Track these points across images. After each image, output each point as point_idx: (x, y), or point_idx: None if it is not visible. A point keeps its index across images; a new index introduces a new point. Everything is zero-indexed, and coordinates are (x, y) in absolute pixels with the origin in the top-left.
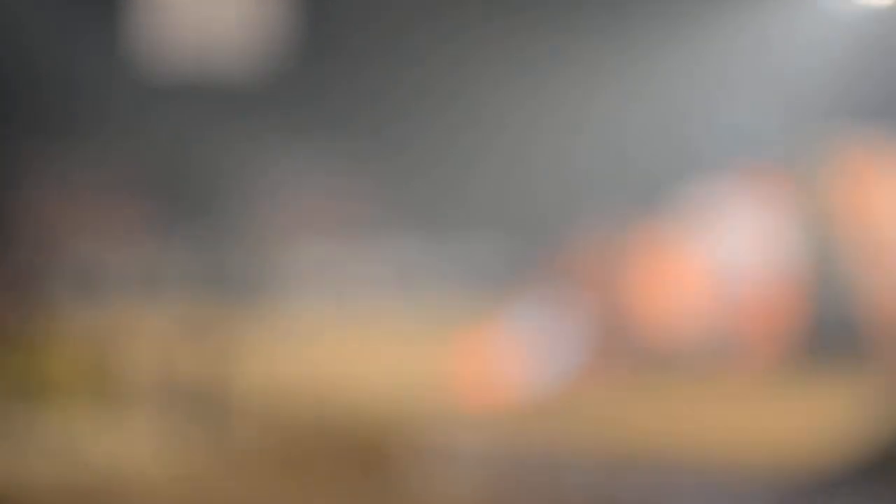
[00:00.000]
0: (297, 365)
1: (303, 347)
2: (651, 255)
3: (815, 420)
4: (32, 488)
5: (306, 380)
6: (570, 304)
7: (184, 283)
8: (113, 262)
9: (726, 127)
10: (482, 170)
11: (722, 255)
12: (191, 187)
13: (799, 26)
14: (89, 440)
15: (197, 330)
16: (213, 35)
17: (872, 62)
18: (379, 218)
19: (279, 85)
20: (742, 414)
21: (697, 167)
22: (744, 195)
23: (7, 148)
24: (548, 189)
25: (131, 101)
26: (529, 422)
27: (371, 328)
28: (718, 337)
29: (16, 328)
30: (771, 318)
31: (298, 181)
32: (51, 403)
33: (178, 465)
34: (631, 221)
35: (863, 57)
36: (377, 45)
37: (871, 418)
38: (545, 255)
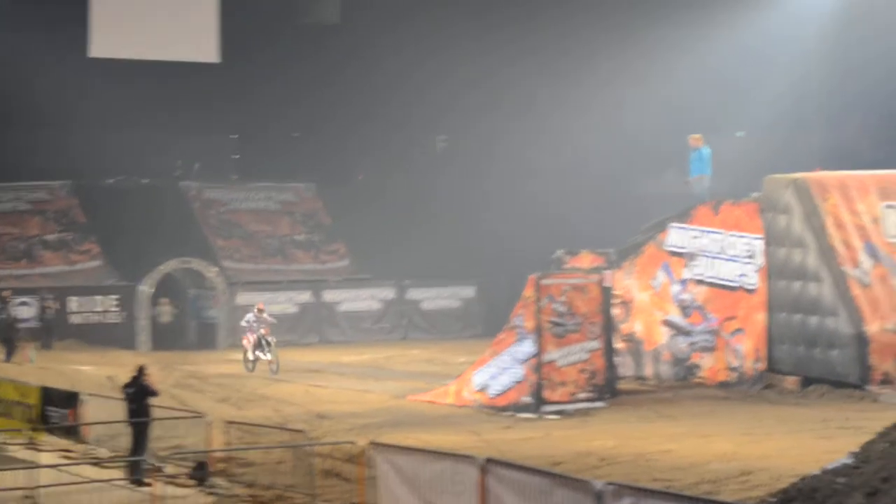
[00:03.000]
0: (274, 394)
1: (279, 383)
2: (615, 291)
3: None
4: None
5: (282, 408)
6: (536, 339)
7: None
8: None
9: (693, 163)
10: (448, 227)
11: (689, 283)
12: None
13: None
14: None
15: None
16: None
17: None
18: (358, 267)
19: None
20: (712, 436)
21: (662, 205)
22: (711, 227)
23: None
24: (511, 240)
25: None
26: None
27: (348, 367)
28: (686, 362)
29: None
30: (742, 338)
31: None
32: None
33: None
34: (595, 263)
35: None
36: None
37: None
38: (511, 297)
